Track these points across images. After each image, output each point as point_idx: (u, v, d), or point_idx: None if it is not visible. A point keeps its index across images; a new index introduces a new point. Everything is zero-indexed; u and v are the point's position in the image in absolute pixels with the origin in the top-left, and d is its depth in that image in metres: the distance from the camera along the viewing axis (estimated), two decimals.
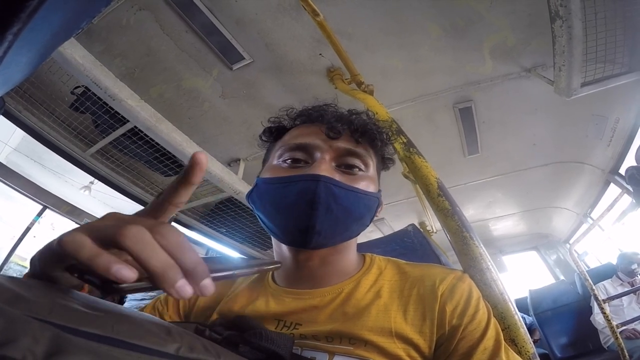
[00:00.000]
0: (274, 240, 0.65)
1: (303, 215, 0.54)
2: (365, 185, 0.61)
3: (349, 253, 0.65)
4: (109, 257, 0.26)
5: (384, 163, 0.72)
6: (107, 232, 0.28)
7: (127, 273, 0.25)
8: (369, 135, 0.64)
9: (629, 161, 2.54)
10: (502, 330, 0.59)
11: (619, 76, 1.82)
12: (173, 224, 3.39)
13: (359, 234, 0.65)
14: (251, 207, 0.64)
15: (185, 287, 0.27)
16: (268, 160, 0.69)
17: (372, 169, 0.64)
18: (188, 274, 0.28)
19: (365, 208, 0.61)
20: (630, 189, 2.26)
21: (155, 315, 0.64)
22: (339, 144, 0.61)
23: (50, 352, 0.18)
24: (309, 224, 0.54)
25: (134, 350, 0.21)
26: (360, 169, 0.62)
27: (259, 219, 0.64)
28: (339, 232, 0.59)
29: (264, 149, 0.74)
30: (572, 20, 1.46)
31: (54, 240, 0.30)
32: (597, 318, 2.87)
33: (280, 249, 0.64)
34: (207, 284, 0.29)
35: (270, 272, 0.69)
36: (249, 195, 0.64)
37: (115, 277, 0.25)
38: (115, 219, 0.31)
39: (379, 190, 0.66)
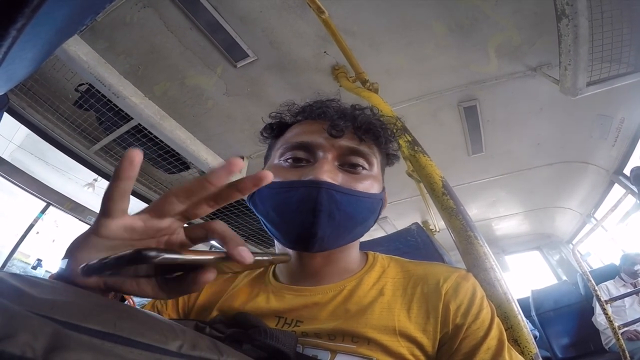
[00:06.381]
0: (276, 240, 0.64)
1: (305, 222, 0.54)
2: (369, 185, 0.59)
3: (353, 251, 0.65)
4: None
5: (388, 159, 0.71)
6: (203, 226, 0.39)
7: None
8: (373, 133, 0.62)
9: (634, 161, 2.53)
10: (505, 330, 0.59)
11: (625, 76, 1.80)
12: None
13: (363, 235, 0.64)
14: (252, 210, 0.63)
15: (246, 252, 0.34)
16: (269, 158, 0.68)
17: (376, 167, 0.63)
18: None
19: (368, 211, 0.60)
20: (635, 189, 2.25)
21: None
22: (342, 142, 0.60)
23: (51, 347, 0.18)
24: (312, 231, 0.53)
25: (137, 347, 0.21)
26: (364, 168, 0.61)
27: (261, 222, 0.63)
28: (342, 236, 0.58)
29: (266, 144, 0.73)
30: (579, 19, 1.45)
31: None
32: (599, 319, 2.86)
33: (283, 248, 0.63)
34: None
35: (272, 269, 0.68)
36: (250, 198, 0.63)
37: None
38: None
39: (383, 189, 0.64)
